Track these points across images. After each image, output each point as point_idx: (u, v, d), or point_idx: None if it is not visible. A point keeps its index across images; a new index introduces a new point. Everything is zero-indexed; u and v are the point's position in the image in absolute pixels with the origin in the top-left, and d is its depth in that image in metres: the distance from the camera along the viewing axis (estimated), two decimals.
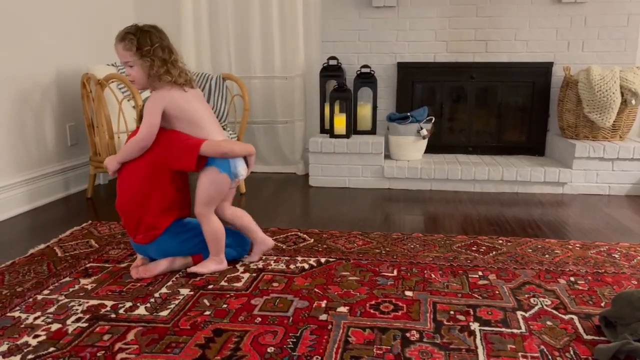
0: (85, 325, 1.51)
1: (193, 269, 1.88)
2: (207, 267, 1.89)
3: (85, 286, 1.78)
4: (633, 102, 3.09)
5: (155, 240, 1.84)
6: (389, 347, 1.39)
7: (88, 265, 1.98)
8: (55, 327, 1.50)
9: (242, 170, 1.89)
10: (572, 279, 1.85)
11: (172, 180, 1.83)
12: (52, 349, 1.38)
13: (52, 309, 1.61)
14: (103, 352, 1.37)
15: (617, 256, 2.08)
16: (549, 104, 3.54)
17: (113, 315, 1.57)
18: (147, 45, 1.75)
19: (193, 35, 3.76)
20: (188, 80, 1.86)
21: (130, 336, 1.45)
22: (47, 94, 2.99)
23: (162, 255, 1.88)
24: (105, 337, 1.44)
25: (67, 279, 1.85)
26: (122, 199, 1.87)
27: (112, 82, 2.78)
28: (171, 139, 1.80)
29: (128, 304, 1.64)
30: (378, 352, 1.37)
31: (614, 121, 3.19)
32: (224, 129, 3.08)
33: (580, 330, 1.49)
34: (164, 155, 1.79)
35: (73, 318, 1.55)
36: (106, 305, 1.63)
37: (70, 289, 1.76)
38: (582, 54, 3.46)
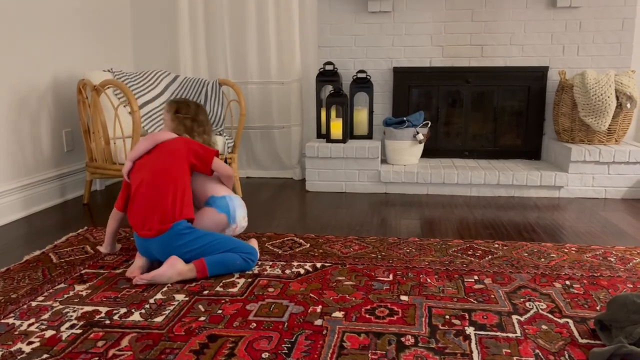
0: (79, 331, 1.50)
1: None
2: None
3: (80, 292, 1.78)
4: (628, 105, 3.11)
5: (161, 235, 1.87)
6: (384, 352, 1.38)
7: (83, 271, 1.98)
8: (49, 333, 1.49)
9: (241, 218, 2.11)
10: (567, 282, 1.85)
11: (188, 177, 2.04)
12: (45, 355, 1.38)
13: (46, 316, 1.60)
14: (97, 358, 1.36)
15: (612, 260, 2.08)
16: (545, 108, 3.56)
17: (107, 322, 1.56)
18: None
19: (189, 41, 3.76)
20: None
21: (125, 342, 1.44)
22: (44, 100, 2.99)
23: (163, 253, 1.89)
24: (100, 344, 1.43)
25: (62, 285, 1.84)
26: (143, 192, 1.97)
27: (108, 88, 2.79)
28: (189, 141, 2.13)
29: (123, 310, 1.64)
30: (373, 357, 1.36)
31: (610, 125, 3.20)
32: (220, 134, 3.09)
33: (576, 334, 1.49)
34: (185, 150, 2.06)
35: (67, 324, 1.55)
36: (101, 312, 1.63)
37: (65, 296, 1.75)
38: (577, 58, 3.48)
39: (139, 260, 1.94)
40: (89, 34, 3.37)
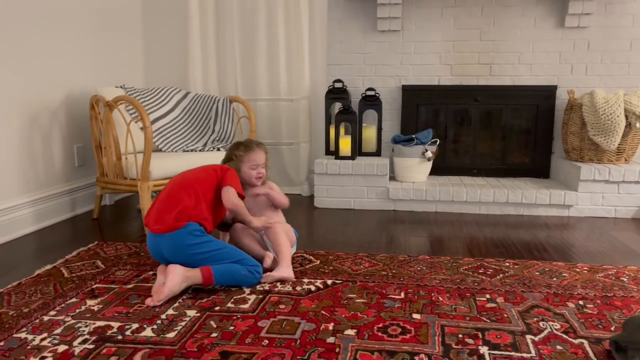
0: (91, 346, 1.50)
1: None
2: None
3: (92, 307, 1.78)
4: (637, 125, 3.11)
5: (174, 231, 1.90)
6: None
7: (94, 286, 1.98)
8: (61, 348, 1.49)
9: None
10: (580, 302, 1.83)
11: (215, 197, 2.08)
12: None
13: (58, 330, 1.60)
14: None
15: (625, 280, 2.07)
16: (553, 127, 3.56)
17: (120, 337, 1.56)
18: None
19: (200, 58, 3.81)
20: None
21: (137, 358, 1.44)
22: (56, 116, 3.02)
23: (173, 252, 1.92)
24: (112, 359, 1.43)
25: (74, 299, 1.85)
26: (175, 186, 2.05)
27: (121, 104, 2.82)
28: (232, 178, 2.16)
29: (135, 326, 1.64)
30: None
31: (619, 144, 3.20)
32: None
33: (591, 354, 1.47)
34: (221, 177, 2.13)
35: (80, 339, 1.54)
36: (113, 327, 1.63)
37: (77, 310, 1.75)
38: (585, 78, 3.49)
39: (163, 277, 1.93)
40: (101, 50, 3.42)
